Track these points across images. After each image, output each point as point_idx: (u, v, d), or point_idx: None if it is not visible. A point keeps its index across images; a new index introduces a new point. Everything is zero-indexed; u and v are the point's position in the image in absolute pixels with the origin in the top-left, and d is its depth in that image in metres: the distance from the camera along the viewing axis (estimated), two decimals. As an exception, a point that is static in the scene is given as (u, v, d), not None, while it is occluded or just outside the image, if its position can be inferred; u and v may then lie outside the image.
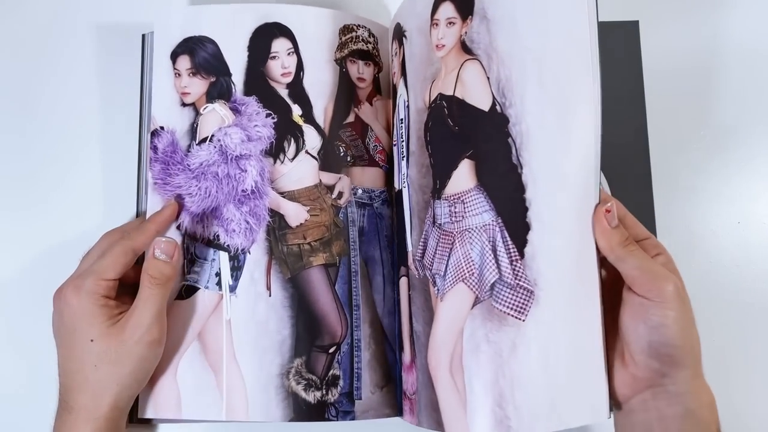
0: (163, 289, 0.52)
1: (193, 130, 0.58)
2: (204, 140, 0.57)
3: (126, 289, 0.54)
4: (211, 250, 0.57)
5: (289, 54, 0.59)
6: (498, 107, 0.51)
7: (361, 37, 0.62)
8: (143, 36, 0.63)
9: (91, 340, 0.50)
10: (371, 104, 0.62)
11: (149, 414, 0.55)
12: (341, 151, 0.60)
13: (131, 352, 0.50)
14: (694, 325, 0.47)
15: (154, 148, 0.58)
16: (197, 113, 0.58)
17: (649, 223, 0.61)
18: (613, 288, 0.50)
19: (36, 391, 0.55)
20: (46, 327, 0.52)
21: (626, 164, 0.62)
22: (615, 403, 0.50)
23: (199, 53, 0.59)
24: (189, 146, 0.58)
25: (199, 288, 0.57)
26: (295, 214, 0.58)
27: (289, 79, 0.59)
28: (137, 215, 0.61)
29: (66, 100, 0.65)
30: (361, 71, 0.62)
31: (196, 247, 0.57)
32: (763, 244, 0.62)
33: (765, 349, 0.59)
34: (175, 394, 0.55)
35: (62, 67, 0.66)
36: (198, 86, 0.59)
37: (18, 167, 0.64)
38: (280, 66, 0.59)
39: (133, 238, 0.53)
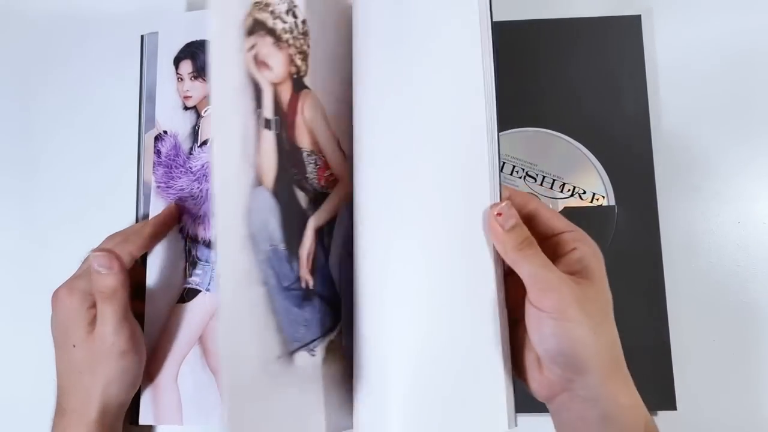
0: (114, 302, 0.50)
1: (194, 133, 0.58)
2: (205, 143, 0.58)
3: (136, 293, 0.55)
4: (213, 253, 0.57)
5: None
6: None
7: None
8: (142, 37, 0.63)
9: (74, 346, 0.50)
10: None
11: (149, 420, 0.55)
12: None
13: (106, 365, 0.50)
14: (602, 328, 0.44)
15: (158, 152, 0.58)
16: (198, 116, 0.59)
17: (652, 222, 0.61)
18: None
19: (38, 393, 0.55)
20: (47, 329, 0.53)
21: (628, 159, 0.62)
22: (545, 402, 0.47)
23: (201, 57, 0.59)
24: (191, 149, 0.58)
25: (201, 291, 0.57)
26: None
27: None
28: (137, 216, 0.61)
29: (66, 100, 0.66)
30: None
31: (197, 249, 0.58)
32: (763, 244, 0.61)
33: (765, 349, 0.59)
34: (176, 399, 0.55)
35: (62, 68, 0.66)
36: (199, 90, 0.59)
37: (17, 168, 0.64)
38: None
39: (130, 242, 0.53)
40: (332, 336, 0.52)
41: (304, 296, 0.51)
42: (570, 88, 0.63)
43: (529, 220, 0.47)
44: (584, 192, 0.61)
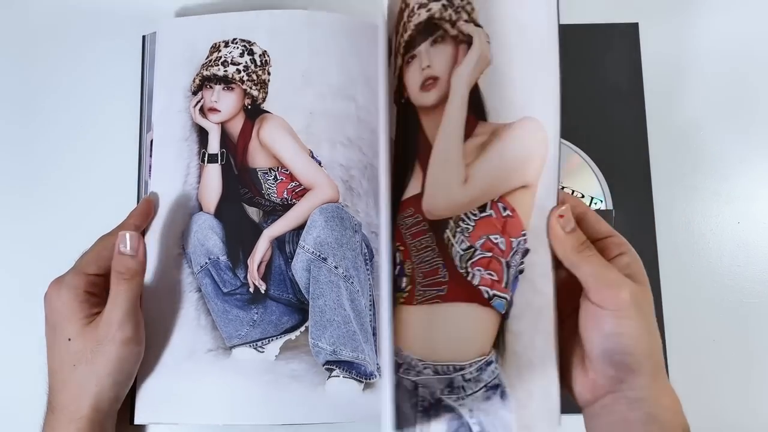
0: (132, 284, 0.51)
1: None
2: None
3: None
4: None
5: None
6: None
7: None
8: (143, 37, 0.64)
9: (69, 339, 0.50)
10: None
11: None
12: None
13: (106, 352, 0.50)
14: (653, 330, 0.46)
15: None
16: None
17: (649, 222, 0.61)
18: (575, 291, 0.48)
19: (32, 392, 0.54)
20: (43, 326, 0.53)
21: (626, 164, 0.63)
22: (581, 407, 0.49)
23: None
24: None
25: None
26: None
27: None
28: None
29: (66, 100, 0.66)
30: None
31: None
32: (763, 244, 0.61)
33: (765, 349, 0.59)
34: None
35: (62, 68, 0.67)
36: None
37: (18, 168, 0.65)
38: None
39: (112, 233, 0.54)
40: (292, 335, 0.57)
41: (252, 299, 0.57)
42: (568, 93, 0.64)
43: (577, 224, 0.48)
44: (582, 196, 0.62)
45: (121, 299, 0.51)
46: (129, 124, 0.64)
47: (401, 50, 0.50)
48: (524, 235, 0.48)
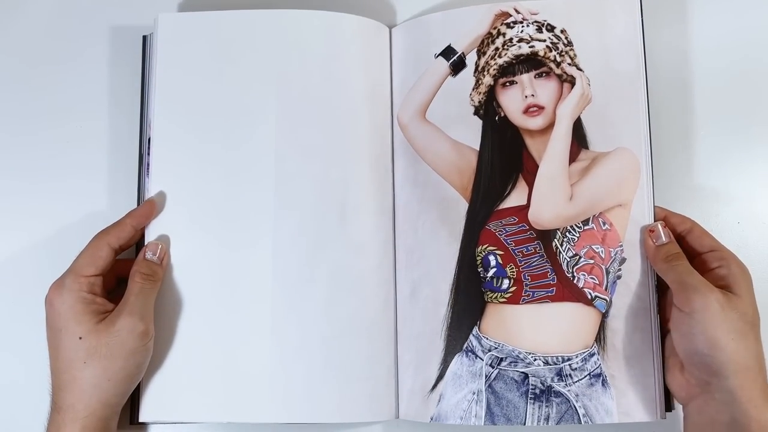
0: (154, 286, 0.54)
1: None
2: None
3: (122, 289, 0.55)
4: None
5: None
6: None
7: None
8: (144, 37, 0.63)
9: (80, 338, 0.50)
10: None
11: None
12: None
13: (122, 344, 0.51)
14: (745, 338, 0.48)
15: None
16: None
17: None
18: None
19: (34, 391, 0.55)
20: (43, 326, 0.53)
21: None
22: (682, 405, 0.53)
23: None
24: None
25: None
26: None
27: None
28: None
29: (66, 100, 0.65)
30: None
31: None
32: (763, 244, 0.63)
33: (765, 349, 0.61)
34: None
35: (62, 68, 0.66)
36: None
37: (17, 168, 0.64)
38: None
39: (108, 232, 0.55)
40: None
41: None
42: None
43: (682, 238, 0.55)
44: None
45: (143, 295, 0.53)
46: (129, 124, 0.64)
47: (492, 71, 0.59)
48: (621, 246, 0.56)
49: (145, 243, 0.56)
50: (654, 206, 0.56)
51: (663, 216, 0.56)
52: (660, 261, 0.53)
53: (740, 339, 0.48)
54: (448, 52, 0.60)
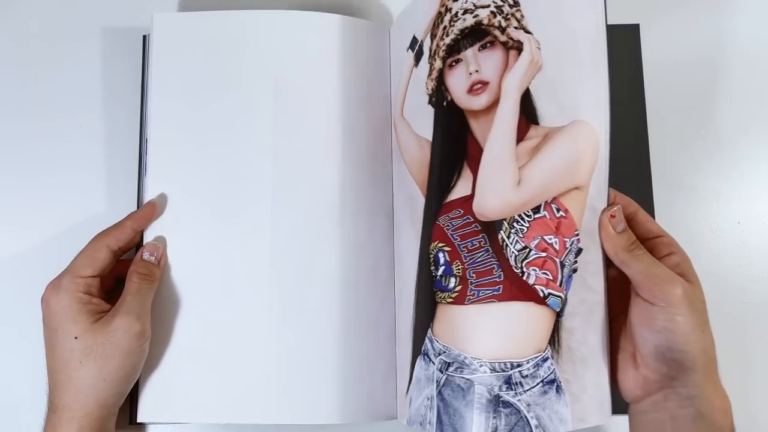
0: (151, 286, 0.53)
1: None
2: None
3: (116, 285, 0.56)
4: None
5: None
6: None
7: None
8: (144, 37, 0.63)
9: (75, 338, 0.50)
10: None
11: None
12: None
13: (118, 344, 0.50)
14: (706, 328, 0.47)
15: None
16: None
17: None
18: (625, 289, 0.49)
19: (33, 391, 0.55)
20: (41, 326, 0.53)
21: (626, 164, 0.63)
22: (629, 403, 0.50)
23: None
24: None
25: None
26: None
27: None
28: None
29: (66, 100, 0.65)
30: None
31: None
32: (763, 244, 0.63)
33: (765, 349, 0.60)
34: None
35: (62, 67, 0.65)
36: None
37: (17, 168, 0.64)
38: None
39: (108, 234, 0.54)
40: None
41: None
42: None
43: (628, 223, 0.50)
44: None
45: (140, 295, 0.52)
46: (129, 124, 0.64)
47: (441, 53, 0.52)
48: (577, 235, 0.49)
49: (143, 243, 0.56)
50: (608, 188, 0.50)
51: (614, 198, 0.51)
52: (622, 250, 0.48)
53: (706, 330, 0.47)
54: (413, 43, 0.55)
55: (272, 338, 0.55)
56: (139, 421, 0.55)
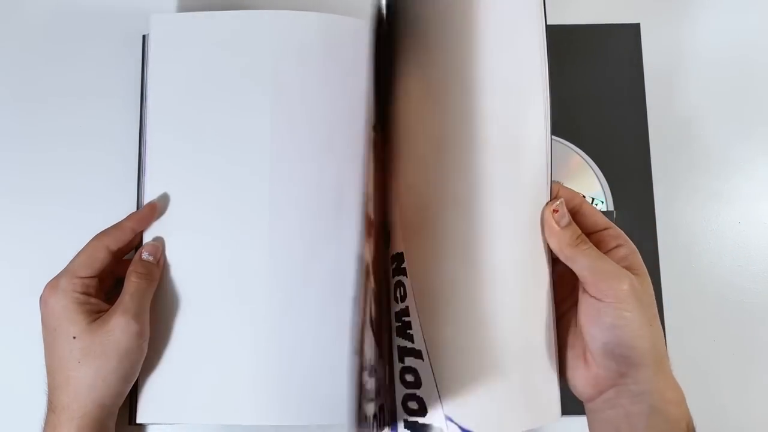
0: (149, 286, 0.54)
1: None
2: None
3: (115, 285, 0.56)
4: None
5: None
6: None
7: None
8: (144, 37, 0.63)
9: (74, 337, 0.50)
10: None
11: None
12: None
13: (116, 344, 0.50)
14: (654, 322, 0.45)
15: None
16: None
17: (650, 223, 0.62)
18: (573, 286, 0.48)
19: (33, 391, 0.54)
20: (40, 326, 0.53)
21: (627, 164, 0.63)
22: (583, 401, 0.48)
23: None
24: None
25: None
26: None
27: None
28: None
29: (66, 100, 0.65)
30: None
31: None
32: (764, 244, 0.61)
33: (765, 349, 0.59)
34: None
35: (62, 67, 0.66)
36: None
37: (17, 167, 0.64)
38: None
39: (108, 234, 0.54)
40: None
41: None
42: (569, 94, 0.65)
43: (573, 216, 0.48)
44: (583, 197, 0.62)
45: (138, 295, 0.52)
46: (128, 125, 0.64)
47: None
48: None
49: (143, 243, 0.56)
50: (551, 182, 0.48)
51: (557, 191, 0.48)
52: (566, 246, 0.46)
53: (653, 324, 0.45)
54: None
55: (271, 338, 0.55)
56: (138, 421, 0.55)
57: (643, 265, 0.47)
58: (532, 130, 0.48)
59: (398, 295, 0.47)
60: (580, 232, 0.47)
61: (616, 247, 0.47)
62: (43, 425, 0.51)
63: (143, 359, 0.53)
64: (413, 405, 0.46)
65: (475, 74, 0.47)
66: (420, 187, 0.47)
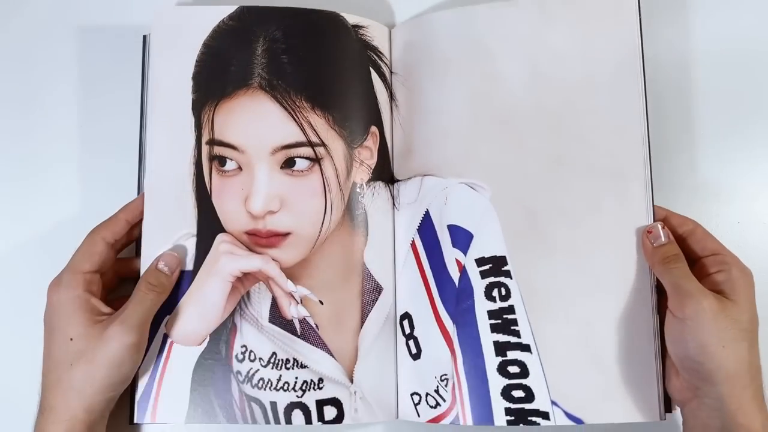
0: (157, 297, 0.53)
1: None
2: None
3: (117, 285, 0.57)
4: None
5: None
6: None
7: None
8: (144, 37, 0.63)
9: (71, 339, 0.50)
10: None
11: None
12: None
13: (109, 353, 0.49)
14: (738, 346, 0.48)
15: None
16: None
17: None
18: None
19: (33, 391, 0.54)
20: (40, 325, 0.53)
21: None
22: (680, 407, 0.54)
23: None
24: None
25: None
26: None
27: None
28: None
29: (66, 99, 0.65)
30: None
31: None
32: (763, 244, 0.62)
33: (765, 350, 0.59)
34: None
35: (62, 67, 0.66)
36: None
37: (17, 167, 0.64)
38: None
39: (103, 227, 0.54)
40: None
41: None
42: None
43: (683, 240, 0.54)
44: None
45: (142, 305, 0.52)
46: (129, 124, 0.63)
47: None
48: None
49: (143, 239, 0.56)
50: (654, 206, 0.55)
51: (663, 216, 0.55)
52: (657, 263, 0.52)
53: (731, 346, 0.48)
54: None
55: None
56: (136, 421, 0.54)
57: (746, 291, 0.50)
58: (634, 158, 0.56)
59: (495, 295, 0.55)
60: (676, 252, 0.52)
61: (717, 272, 0.51)
62: (34, 426, 0.51)
63: (136, 369, 0.53)
64: (518, 393, 0.54)
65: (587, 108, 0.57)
66: (527, 200, 0.56)
